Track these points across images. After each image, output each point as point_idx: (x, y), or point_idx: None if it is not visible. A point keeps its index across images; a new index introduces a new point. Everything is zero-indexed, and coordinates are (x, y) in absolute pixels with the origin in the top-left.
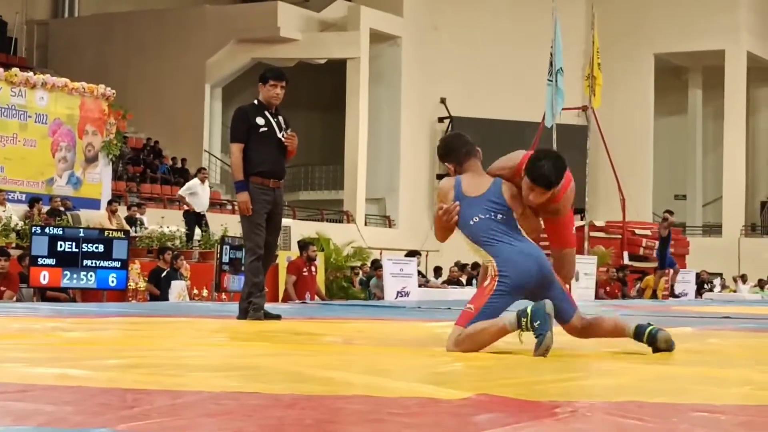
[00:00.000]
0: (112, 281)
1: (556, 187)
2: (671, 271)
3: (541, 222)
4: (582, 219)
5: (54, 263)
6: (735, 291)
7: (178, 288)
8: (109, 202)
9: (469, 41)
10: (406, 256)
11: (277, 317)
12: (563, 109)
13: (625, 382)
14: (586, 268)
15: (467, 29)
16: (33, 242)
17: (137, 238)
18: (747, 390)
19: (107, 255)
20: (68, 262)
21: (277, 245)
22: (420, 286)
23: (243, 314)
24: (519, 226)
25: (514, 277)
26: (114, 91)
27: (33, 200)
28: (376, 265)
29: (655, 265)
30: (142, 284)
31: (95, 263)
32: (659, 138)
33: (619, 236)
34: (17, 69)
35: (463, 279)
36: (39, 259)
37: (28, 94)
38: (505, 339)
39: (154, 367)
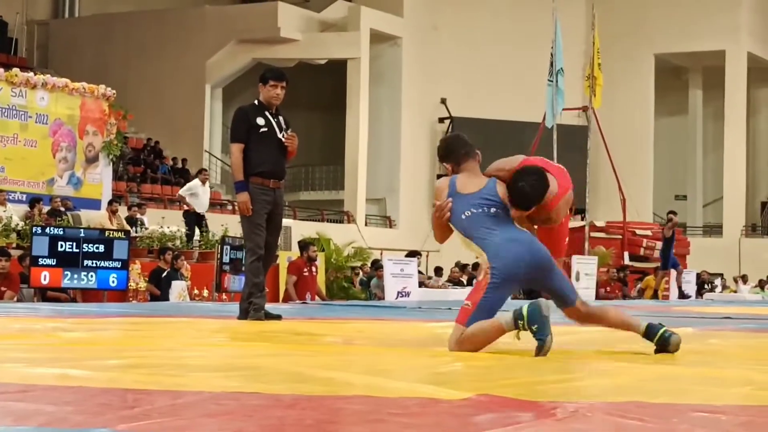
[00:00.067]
0: (113, 281)
1: (536, 205)
2: (674, 272)
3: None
4: (582, 219)
5: (54, 263)
6: (735, 291)
7: (178, 288)
8: (110, 203)
9: (469, 41)
10: (407, 256)
11: (278, 317)
12: (564, 109)
13: (626, 383)
14: (587, 268)
15: (467, 29)
16: (33, 242)
17: (138, 239)
18: (747, 390)
19: (108, 255)
20: (69, 262)
21: (277, 245)
22: (422, 284)
23: (243, 314)
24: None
25: (503, 268)
26: (114, 91)
27: (33, 200)
28: (377, 265)
29: (655, 265)
30: (143, 284)
31: (96, 263)
32: (659, 138)
33: (620, 236)
34: (18, 69)
35: (464, 279)
36: (39, 260)
37: (28, 94)
38: (504, 339)
39: (155, 368)
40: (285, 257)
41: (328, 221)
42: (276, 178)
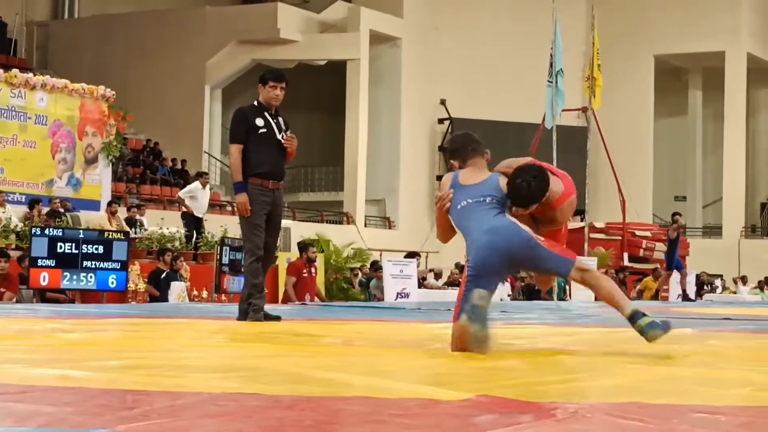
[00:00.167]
0: (112, 282)
1: (536, 203)
2: (677, 274)
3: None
4: (582, 220)
5: (54, 264)
6: (735, 292)
7: (177, 289)
8: (109, 204)
9: (469, 42)
10: (406, 257)
11: (277, 318)
12: (563, 110)
13: (626, 383)
14: None
15: (467, 30)
16: (33, 243)
17: (137, 240)
18: (747, 391)
19: (107, 256)
20: (68, 263)
21: (276, 246)
22: (422, 283)
23: (243, 315)
24: (506, 210)
25: (477, 261)
26: (114, 92)
27: (33, 201)
28: (376, 266)
29: (654, 266)
30: (142, 285)
31: (95, 264)
32: (659, 139)
33: (619, 237)
34: (17, 70)
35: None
36: (39, 261)
37: (27, 95)
38: (503, 340)
39: (154, 368)
40: (284, 258)
41: (327, 222)
42: (275, 179)
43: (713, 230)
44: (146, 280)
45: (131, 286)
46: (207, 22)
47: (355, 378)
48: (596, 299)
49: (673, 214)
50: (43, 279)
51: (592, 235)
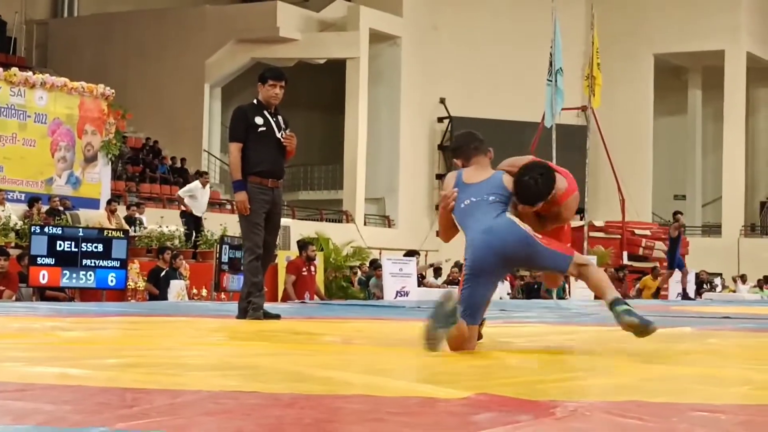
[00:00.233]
0: (112, 281)
1: (543, 201)
2: (678, 272)
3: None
4: (581, 219)
5: (53, 263)
6: (734, 291)
7: (177, 287)
8: (109, 202)
9: (469, 41)
10: (405, 255)
11: (277, 317)
12: (563, 109)
13: (625, 382)
14: None
15: (467, 29)
16: (32, 242)
17: (136, 238)
18: (746, 390)
19: (106, 254)
20: (67, 261)
21: (276, 245)
22: (422, 282)
23: (242, 314)
24: (511, 208)
25: (472, 260)
26: (113, 90)
27: (32, 200)
28: (376, 264)
29: (653, 265)
30: (142, 284)
31: (94, 263)
32: (659, 138)
33: (619, 236)
34: (16, 69)
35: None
36: (38, 259)
37: (27, 93)
38: (502, 339)
39: (153, 367)
40: (284, 257)
41: (326, 221)
42: (274, 178)
43: (713, 229)
44: (146, 278)
45: (131, 284)
46: (206, 21)
47: (355, 376)
48: (596, 297)
49: (675, 213)
50: (43, 277)
51: (592, 234)
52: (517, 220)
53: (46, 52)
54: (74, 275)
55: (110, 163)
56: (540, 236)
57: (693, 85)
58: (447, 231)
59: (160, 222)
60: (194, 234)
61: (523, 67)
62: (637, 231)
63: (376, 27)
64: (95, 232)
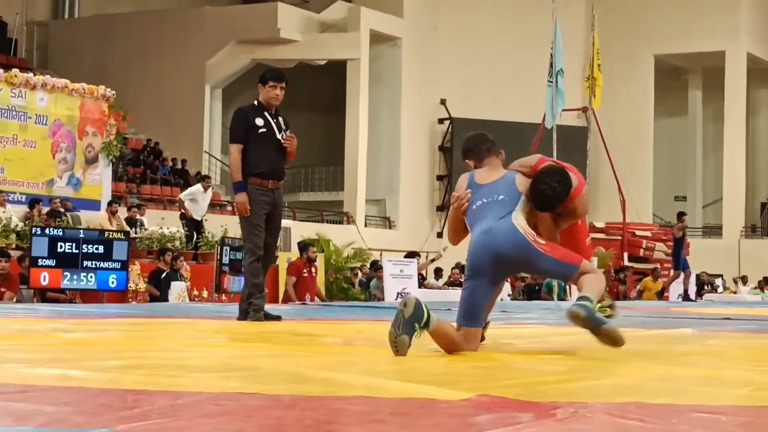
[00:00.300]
0: (112, 282)
1: (559, 206)
2: (681, 273)
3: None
4: None
5: (54, 264)
6: (735, 292)
7: (177, 289)
8: (109, 203)
9: (469, 42)
10: (406, 257)
11: (277, 318)
12: (563, 110)
13: (626, 383)
14: None
15: (467, 30)
16: (33, 243)
17: (137, 239)
18: (747, 391)
19: (107, 256)
20: (68, 263)
21: (276, 246)
22: (422, 283)
23: (243, 315)
24: (519, 208)
25: (471, 261)
26: (114, 92)
27: (33, 201)
28: (376, 266)
29: (653, 266)
30: (142, 285)
31: (95, 264)
32: (659, 139)
33: (619, 237)
34: (17, 70)
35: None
36: (39, 260)
37: (28, 95)
38: (503, 340)
39: (154, 368)
40: (284, 258)
41: (327, 222)
42: (275, 179)
43: (713, 230)
44: (146, 279)
45: (131, 285)
46: (207, 22)
47: (355, 378)
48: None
49: (680, 213)
50: (44, 279)
51: (592, 235)
52: (521, 224)
53: (46, 53)
54: (75, 277)
55: (111, 164)
56: (544, 242)
57: (693, 85)
58: (457, 233)
59: (161, 223)
60: (195, 236)
61: (523, 68)
62: (637, 232)
63: (377, 28)
64: (96, 234)
